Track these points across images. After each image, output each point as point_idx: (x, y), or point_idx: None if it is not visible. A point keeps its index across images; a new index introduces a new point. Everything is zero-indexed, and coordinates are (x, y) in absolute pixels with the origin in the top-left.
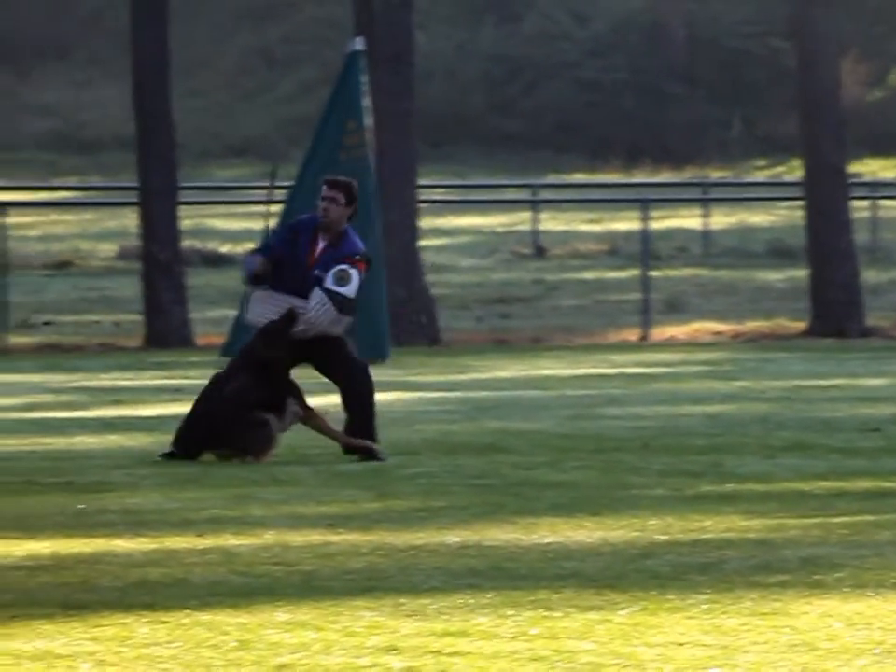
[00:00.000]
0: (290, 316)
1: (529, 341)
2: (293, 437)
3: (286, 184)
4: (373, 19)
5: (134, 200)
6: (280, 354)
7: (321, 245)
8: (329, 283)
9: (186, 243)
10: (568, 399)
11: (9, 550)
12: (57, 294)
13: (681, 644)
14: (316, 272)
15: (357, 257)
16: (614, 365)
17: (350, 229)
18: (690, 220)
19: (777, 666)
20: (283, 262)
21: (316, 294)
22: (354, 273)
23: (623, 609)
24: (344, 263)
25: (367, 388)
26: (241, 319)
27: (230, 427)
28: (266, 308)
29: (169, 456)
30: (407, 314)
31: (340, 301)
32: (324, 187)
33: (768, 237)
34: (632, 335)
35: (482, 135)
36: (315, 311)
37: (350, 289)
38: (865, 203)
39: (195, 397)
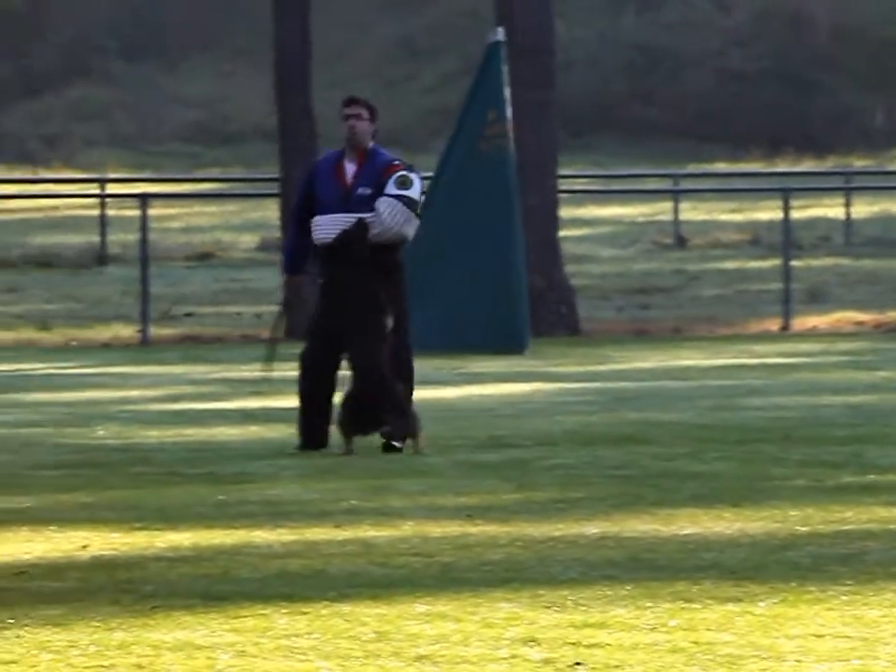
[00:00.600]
0: (361, 224)
1: (670, 331)
2: (434, 428)
3: (427, 174)
4: (514, 9)
5: (276, 191)
6: (365, 254)
7: (350, 168)
8: (392, 189)
9: None
10: (709, 389)
11: (151, 541)
12: (198, 286)
13: (821, 636)
14: (360, 190)
15: (403, 163)
16: (755, 355)
17: (377, 146)
18: (832, 209)
19: None
20: (315, 202)
21: (383, 200)
22: (413, 176)
23: (762, 600)
24: (401, 170)
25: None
26: None
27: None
28: (332, 227)
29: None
30: (547, 304)
31: (407, 202)
32: (343, 107)
33: None
34: (773, 325)
35: (623, 125)
36: (388, 212)
37: (415, 191)
38: None
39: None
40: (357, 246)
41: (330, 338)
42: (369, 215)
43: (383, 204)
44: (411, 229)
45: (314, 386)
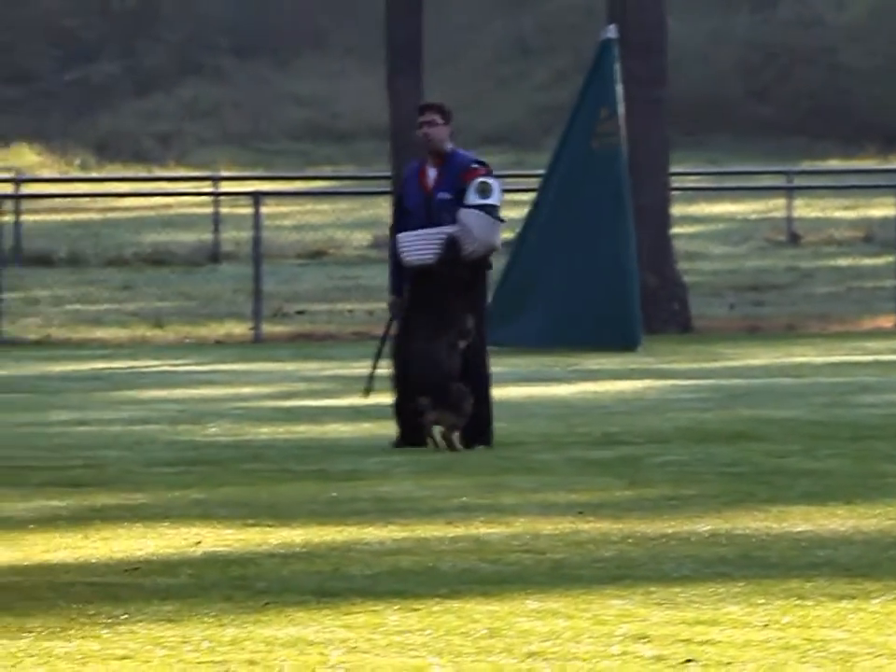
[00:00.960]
0: (453, 243)
1: (783, 328)
2: (545, 424)
3: (538, 172)
4: (626, 6)
5: (388, 189)
6: (465, 275)
7: (431, 173)
8: (473, 199)
9: None
10: (822, 386)
11: (264, 537)
12: (311, 283)
13: None
14: (440, 195)
15: (482, 165)
16: (868, 352)
17: (455, 147)
18: None
19: None
20: (404, 210)
21: (469, 213)
22: (492, 180)
23: (876, 597)
24: (478, 175)
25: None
26: (495, 306)
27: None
28: (423, 246)
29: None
30: (659, 301)
31: (490, 211)
32: (418, 112)
33: None
34: (887, 322)
35: (736, 122)
36: (477, 226)
37: (495, 198)
38: None
39: None
40: (456, 269)
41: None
42: (453, 228)
43: (470, 218)
44: (498, 237)
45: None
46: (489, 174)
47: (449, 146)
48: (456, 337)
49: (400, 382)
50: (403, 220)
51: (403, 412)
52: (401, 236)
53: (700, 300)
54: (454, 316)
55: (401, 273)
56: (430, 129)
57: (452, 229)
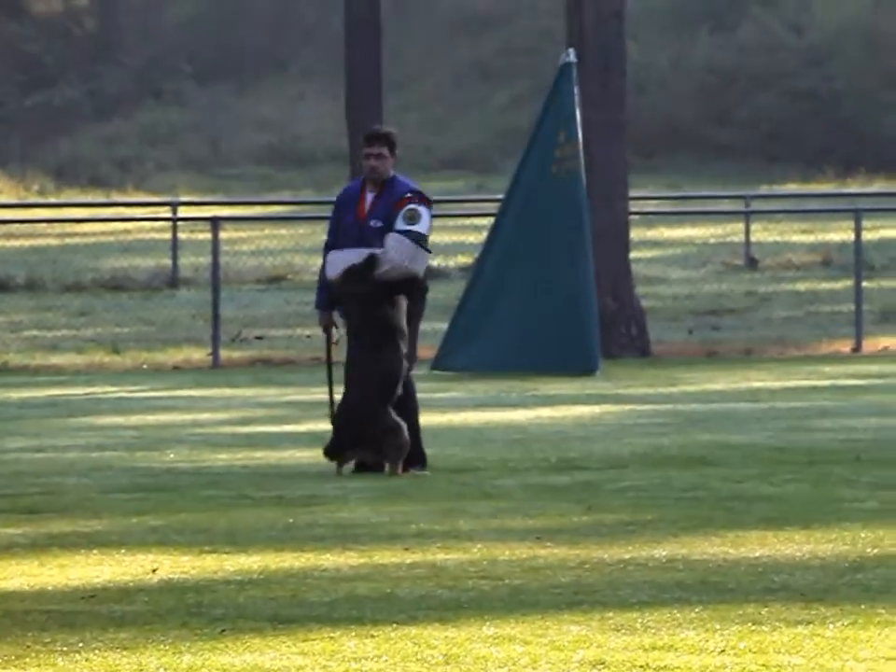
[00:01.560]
0: (371, 259)
1: (741, 353)
2: (502, 450)
3: (497, 197)
4: (585, 30)
5: None
6: (367, 290)
7: (369, 196)
8: (400, 225)
9: None
10: (780, 411)
11: (220, 564)
12: (269, 308)
13: (892, 658)
14: (372, 222)
15: (417, 195)
16: (826, 377)
17: (395, 174)
18: None
19: None
20: (339, 231)
21: (391, 236)
22: (422, 209)
23: (832, 622)
24: (409, 203)
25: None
26: (453, 331)
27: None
28: (344, 262)
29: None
30: (618, 325)
31: (415, 238)
32: (364, 143)
33: None
34: (844, 347)
35: (695, 146)
36: (395, 249)
37: (423, 226)
38: None
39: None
40: (362, 284)
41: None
42: (378, 250)
43: (391, 241)
44: (420, 265)
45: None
46: (422, 202)
47: (391, 173)
48: (399, 343)
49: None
50: (336, 240)
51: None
52: (330, 254)
53: (658, 324)
54: (391, 328)
55: (328, 289)
56: (379, 163)
57: (374, 250)
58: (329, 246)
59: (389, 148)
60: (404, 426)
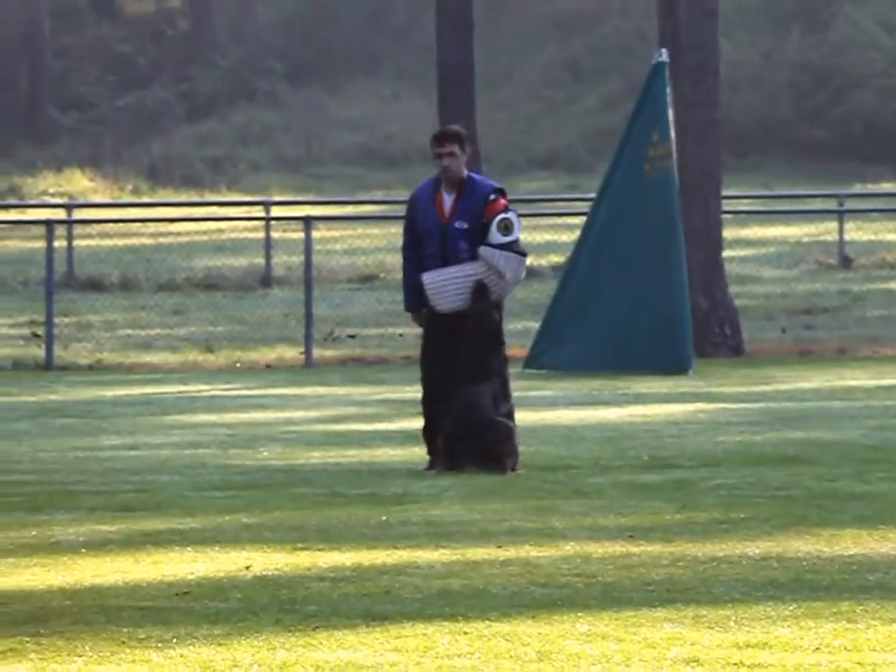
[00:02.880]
0: (482, 288)
1: (834, 351)
2: (595, 448)
3: (589, 196)
4: (678, 29)
5: None
6: (493, 318)
7: (447, 198)
8: (497, 238)
9: None
10: (874, 409)
11: (313, 561)
12: (361, 307)
13: None
14: (457, 223)
15: (500, 197)
16: None
17: (470, 173)
18: None
19: None
20: (417, 238)
21: (494, 254)
22: (512, 216)
23: None
24: (500, 212)
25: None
26: (546, 330)
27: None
28: (453, 292)
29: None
30: (710, 325)
31: (516, 249)
32: (434, 144)
33: None
34: None
35: (788, 145)
36: (506, 267)
37: (517, 232)
38: None
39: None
40: (487, 314)
41: (443, 356)
42: (476, 267)
43: (499, 260)
44: (524, 271)
45: (435, 408)
46: (507, 205)
47: (465, 172)
48: (499, 386)
49: (428, 406)
50: (417, 244)
51: (433, 436)
52: (427, 280)
53: (752, 323)
54: (492, 362)
55: (415, 292)
56: (450, 160)
57: (475, 268)
58: (407, 249)
59: (460, 146)
60: (516, 430)
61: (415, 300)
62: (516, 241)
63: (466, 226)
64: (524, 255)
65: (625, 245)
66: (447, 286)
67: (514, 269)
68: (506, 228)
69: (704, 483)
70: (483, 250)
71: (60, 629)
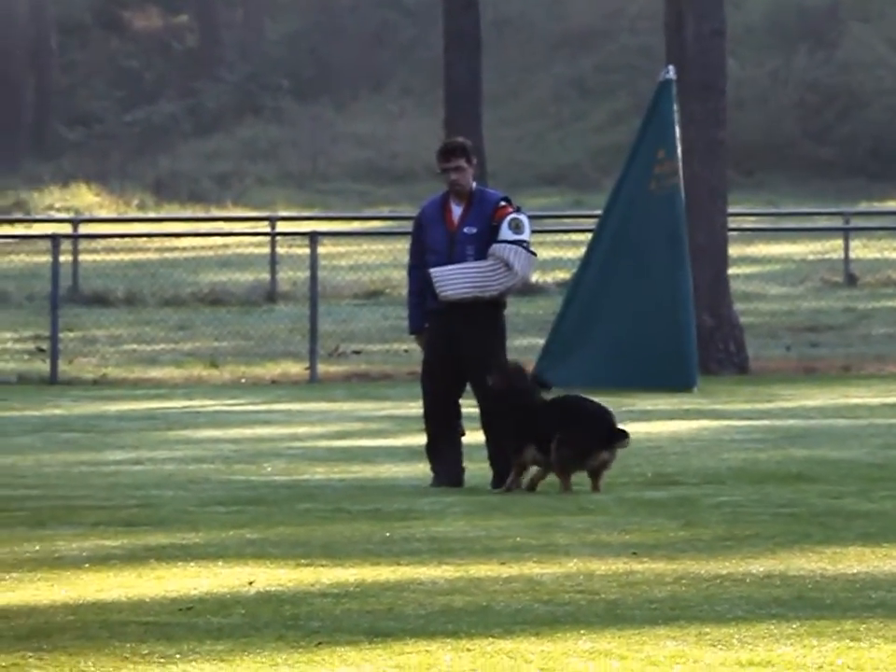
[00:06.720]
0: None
1: (839, 369)
2: None
3: (595, 213)
4: (685, 47)
5: None
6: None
7: (456, 209)
8: (509, 234)
9: None
10: (878, 427)
11: (317, 577)
12: (366, 323)
13: None
14: (466, 229)
15: (509, 205)
16: None
17: (477, 185)
18: None
19: None
20: (425, 247)
21: (508, 248)
22: (522, 217)
23: None
24: (509, 212)
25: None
26: (551, 346)
27: None
28: (458, 280)
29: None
30: (715, 342)
31: (526, 247)
32: (441, 159)
33: None
34: None
35: (795, 163)
36: (517, 262)
37: (528, 233)
38: None
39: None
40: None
41: (445, 373)
42: (488, 265)
43: (509, 254)
44: (532, 270)
45: (438, 423)
46: (518, 210)
47: (473, 185)
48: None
49: (431, 422)
50: (424, 258)
51: (437, 452)
52: (434, 271)
53: (757, 341)
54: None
55: (420, 312)
56: (458, 175)
57: (484, 261)
58: (412, 270)
59: (466, 159)
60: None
61: (420, 321)
62: (527, 241)
63: (475, 230)
64: (534, 254)
65: (631, 262)
66: (454, 273)
67: (523, 264)
68: (517, 226)
69: (708, 501)
70: (493, 247)
71: (63, 644)
